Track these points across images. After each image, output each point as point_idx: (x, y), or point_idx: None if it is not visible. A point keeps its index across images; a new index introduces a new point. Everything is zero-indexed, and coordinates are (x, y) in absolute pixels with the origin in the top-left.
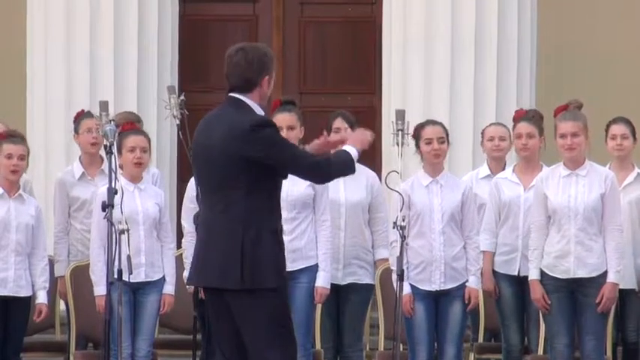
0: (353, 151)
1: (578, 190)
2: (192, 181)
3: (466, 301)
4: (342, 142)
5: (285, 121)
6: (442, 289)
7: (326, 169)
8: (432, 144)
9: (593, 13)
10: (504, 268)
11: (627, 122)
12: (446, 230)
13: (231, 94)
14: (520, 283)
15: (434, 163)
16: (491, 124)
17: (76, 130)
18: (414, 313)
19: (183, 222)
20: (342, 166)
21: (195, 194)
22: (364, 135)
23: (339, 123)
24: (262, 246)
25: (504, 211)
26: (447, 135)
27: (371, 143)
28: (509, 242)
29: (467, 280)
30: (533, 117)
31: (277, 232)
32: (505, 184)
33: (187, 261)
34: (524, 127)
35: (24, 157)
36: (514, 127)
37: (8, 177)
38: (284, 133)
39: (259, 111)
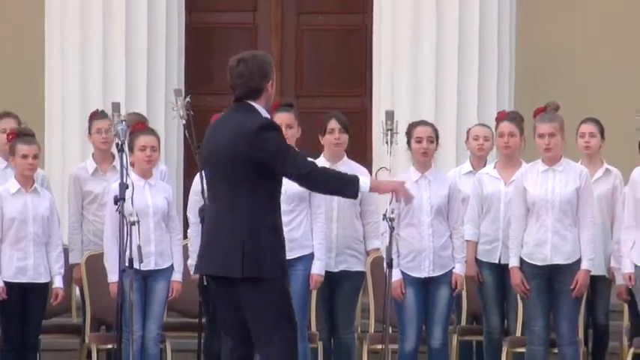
0: (364, 182)
1: (555, 184)
2: (197, 177)
3: (453, 287)
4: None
5: (284, 119)
6: (431, 276)
7: (315, 181)
8: (421, 143)
9: (567, 25)
10: (486, 257)
11: (595, 122)
12: (434, 222)
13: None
14: (501, 270)
15: (422, 161)
16: (476, 125)
17: (89, 130)
18: (405, 297)
19: (188, 214)
20: (334, 186)
21: (199, 189)
22: (394, 185)
23: (332, 124)
24: (263, 239)
25: (486, 204)
26: (437, 135)
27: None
28: (490, 233)
29: (453, 267)
30: (514, 118)
31: (277, 227)
32: (487, 179)
33: (192, 249)
34: (506, 126)
35: (37, 155)
36: (496, 126)
37: (25, 174)
38: (283, 131)
39: (265, 114)
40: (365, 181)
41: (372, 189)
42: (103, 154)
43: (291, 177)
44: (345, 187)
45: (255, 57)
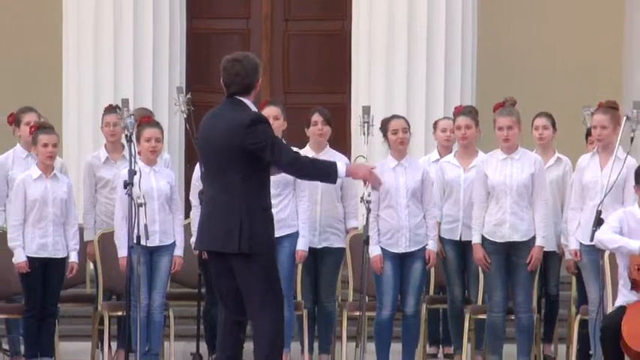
0: (341, 168)
1: (512, 170)
2: (197, 165)
3: (427, 261)
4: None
5: (272, 112)
6: (407, 251)
7: (299, 169)
8: (397, 134)
9: (523, 30)
10: (448, 235)
11: (548, 116)
12: (410, 204)
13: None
14: (461, 246)
15: (400, 150)
16: (443, 118)
17: (101, 123)
18: (383, 270)
19: (190, 198)
20: (316, 173)
21: (199, 175)
22: (366, 170)
23: (316, 117)
24: (255, 219)
25: (448, 188)
26: (409, 126)
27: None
28: (452, 214)
29: (427, 244)
30: (470, 112)
31: (268, 208)
32: (448, 166)
33: (194, 229)
34: (463, 120)
35: (56, 144)
36: (454, 120)
37: (45, 162)
38: (271, 121)
39: (254, 108)
40: (342, 167)
41: (347, 174)
42: (113, 144)
43: (278, 165)
44: (324, 174)
45: (249, 58)
